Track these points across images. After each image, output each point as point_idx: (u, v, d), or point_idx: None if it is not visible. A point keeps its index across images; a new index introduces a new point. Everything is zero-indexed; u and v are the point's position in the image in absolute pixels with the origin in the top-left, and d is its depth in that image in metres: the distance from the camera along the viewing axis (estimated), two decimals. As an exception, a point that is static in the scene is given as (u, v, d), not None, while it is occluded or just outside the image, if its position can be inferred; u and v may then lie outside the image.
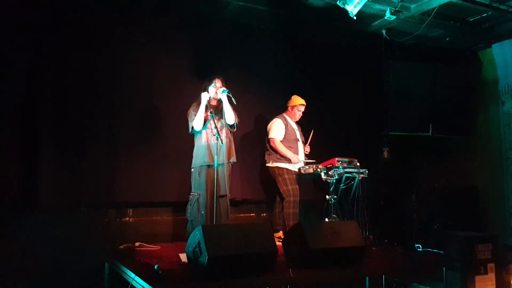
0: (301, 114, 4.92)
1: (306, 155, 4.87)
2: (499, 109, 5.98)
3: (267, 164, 4.81)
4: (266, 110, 5.18)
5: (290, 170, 4.72)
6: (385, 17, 4.93)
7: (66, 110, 4.24)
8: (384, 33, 5.48)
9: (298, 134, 4.87)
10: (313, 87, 5.43)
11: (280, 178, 4.70)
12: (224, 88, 4.24)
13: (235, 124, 4.34)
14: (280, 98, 5.06)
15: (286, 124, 4.81)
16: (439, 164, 6.02)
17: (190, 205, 4.21)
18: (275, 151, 4.71)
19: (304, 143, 4.94)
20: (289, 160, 4.70)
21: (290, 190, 4.62)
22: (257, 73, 5.25)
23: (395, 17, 4.89)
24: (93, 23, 4.36)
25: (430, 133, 5.63)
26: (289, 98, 4.94)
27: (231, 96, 4.15)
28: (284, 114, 4.91)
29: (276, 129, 4.76)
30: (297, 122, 4.96)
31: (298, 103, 4.87)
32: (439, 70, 5.79)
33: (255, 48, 5.24)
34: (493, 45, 5.96)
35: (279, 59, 5.33)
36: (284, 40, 5.39)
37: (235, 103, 4.17)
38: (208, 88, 4.32)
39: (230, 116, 4.25)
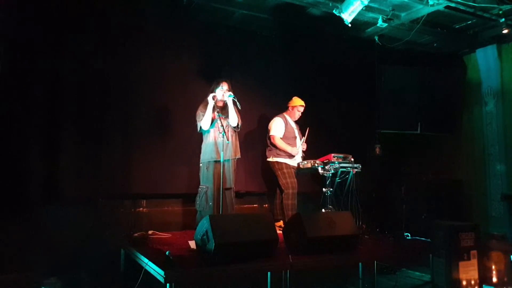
0: (300, 114, 4.92)
1: (303, 151, 4.87)
2: (482, 109, 5.97)
3: (268, 159, 4.81)
4: (268, 109, 5.16)
5: (288, 164, 4.72)
6: (378, 25, 4.92)
7: (84, 109, 4.24)
8: (376, 39, 5.48)
9: (296, 132, 4.87)
10: (311, 89, 5.41)
11: (279, 172, 4.70)
12: (230, 93, 4.23)
13: (238, 126, 4.34)
14: (281, 99, 5.04)
15: (286, 122, 4.81)
16: (427, 159, 6.03)
17: (199, 197, 4.21)
18: (275, 147, 4.72)
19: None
20: (288, 155, 4.71)
21: (288, 183, 4.63)
22: (260, 75, 5.24)
23: (386, 24, 4.87)
24: (110, 29, 4.36)
25: (418, 131, 5.62)
26: (289, 99, 4.93)
27: (236, 101, 4.15)
28: (284, 114, 4.90)
29: (277, 127, 4.76)
30: (296, 121, 4.96)
31: (298, 104, 4.86)
32: (427, 73, 5.78)
33: (258, 53, 5.23)
34: (477, 50, 5.94)
35: (280, 63, 5.32)
36: (285, 45, 5.38)
37: (239, 108, 4.17)
38: (215, 90, 4.31)
39: (233, 119, 4.26)
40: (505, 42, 5.60)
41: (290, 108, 4.90)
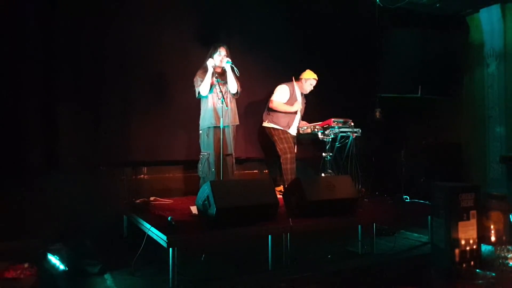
0: (312, 88, 4.78)
1: (299, 128, 4.78)
2: (483, 71, 5.85)
3: (264, 123, 4.74)
4: (266, 75, 5.04)
5: (285, 130, 4.66)
6: (379, -16, 4.73)
7: (83, 76, 4.14)
8: (377, 0, 5.27)
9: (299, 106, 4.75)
10: (311, 53, 5.27)
11: (276, 138, 4.66)
12: (228, 59, 4.09)
13: (237, 92, 4.24)
14: (279, 64, 4.93)
15: (292, 92, 4.68)
16: (427, 123, 5.97)
17: (201, 164, 4.17)
18: (274, 111, 4.62)
19: (303, 118, 4.84)
20: (286, 124, 4.62)
21: (286, 148, 4.59)
22: (258, 40, 5.07)
23: (388, -17, 4.69)
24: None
25: (419, 94, 5.52)
26: (288, 63, 4.80)
27: (234, 67, 4.03)
28: (295, 83, 4.73)
29: (281, 94, 4.64)
30: (305, 96, 4.82)
31: (310, 76, 4.70)
32: (429, 35, 5.61)
33: (256, 17, 5.04)
34: (481, 10, 5.74)
35: (279, 27, 5.13)
36: (284, 8, 5.17)
37: (238, 74, 4.05)
38: (213, 55, 4.18)
39: (233, 85, 4.14)
40: (509, 1, 5.41)
41: (303, 80, 4.74)
